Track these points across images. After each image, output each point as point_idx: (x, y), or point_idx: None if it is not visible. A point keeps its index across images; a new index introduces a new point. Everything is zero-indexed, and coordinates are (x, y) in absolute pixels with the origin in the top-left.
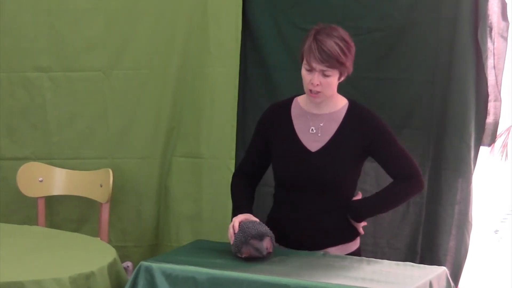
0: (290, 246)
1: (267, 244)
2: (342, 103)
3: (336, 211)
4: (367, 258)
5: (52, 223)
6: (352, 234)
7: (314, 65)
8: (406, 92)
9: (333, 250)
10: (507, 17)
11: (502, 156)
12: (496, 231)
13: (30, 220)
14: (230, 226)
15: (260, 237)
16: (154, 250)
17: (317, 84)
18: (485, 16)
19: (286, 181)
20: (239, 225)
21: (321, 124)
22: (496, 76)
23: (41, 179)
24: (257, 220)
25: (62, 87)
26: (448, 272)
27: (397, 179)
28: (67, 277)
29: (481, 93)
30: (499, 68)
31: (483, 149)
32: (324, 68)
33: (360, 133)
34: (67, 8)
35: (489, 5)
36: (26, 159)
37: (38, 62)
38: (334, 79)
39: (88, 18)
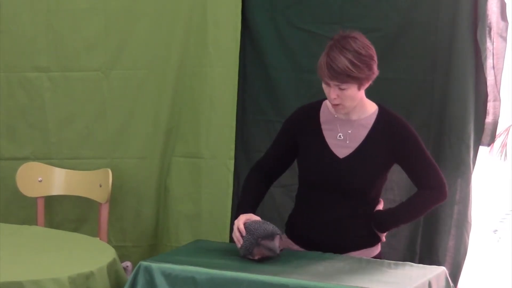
0: (312, 249)
1: (277, 242)
2: (371, 109)
3: (360, 217)
4: (366, 258)
5: (51, 223)
6: (374, 239)
7: (327, 80)
8: (405, 92)
9: (356, 255)
10: (506, 17)
11: (501, 156)
12: (495, 231)
13: (29, 220)
14: (235, 229)
15: (271, 236)
16: (153, 250)
17: (335, 98)
18: (484, 16)
19: (313, 184)
20: (244, 226)
21: (349, 131)
22: (495, 76)
23: (41, 179)
24: (259, 218)
25: (61, 87)
26: (447, 272)
27: (422, 189)
28: (66, 277)
29: (480, 93)
30: (498, 68)
31: (482, 149)
32: (337, 83)
33: (389, 141)
34: (66, 8)
35: (488, 5)
36: (25, 159)
37: (37, 62)
38: (352, 91)
39: (87, 18)
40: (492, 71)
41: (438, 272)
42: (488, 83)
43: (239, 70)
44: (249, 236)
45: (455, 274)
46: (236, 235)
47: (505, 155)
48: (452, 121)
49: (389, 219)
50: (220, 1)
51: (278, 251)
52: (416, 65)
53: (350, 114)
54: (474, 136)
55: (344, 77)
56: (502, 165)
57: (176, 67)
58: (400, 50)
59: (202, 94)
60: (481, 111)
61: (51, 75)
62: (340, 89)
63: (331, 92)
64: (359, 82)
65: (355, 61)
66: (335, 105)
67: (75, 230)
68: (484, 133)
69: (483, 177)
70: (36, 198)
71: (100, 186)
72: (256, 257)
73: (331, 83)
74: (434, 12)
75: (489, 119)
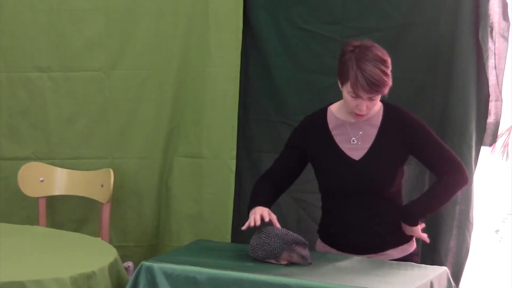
0: (346, 251)
1: (308, 251)
2: (377, 107)
3: (386, 213)
4: (368, 258)
5: (53, 223)
6: (408, 235)
7: (362, 94)
8: (406, 92)
9: (393, 253)
10: (508, 17)
11: (503, 156)
12: (497, 231)
13: (31, 220)
14: (258, 215)
15: (304, 244)
16: (155, 250)
17: (366, 110)
18: (486, 16)
19: (334, 191)
20: (267, 230)
21: (361, 132)
22: (497, 76)
23: (42, 179)
24: (275, 216)
25: (63, 87)
26: (449, 272)
27: (443, 175)
28: (68, 277)
29: (482, 93)
30: (500, 68)
31: (484, 149)
32: (372, 95)
33: (400, 134)
34: (67, 8)
35: (490, 5)
36: (26, 159)
37: (38, 62)
38: (378, 99)
39: (88, 18)
40: (494, 71)
41: (440, 272)
42: (490, 83)
43: (241, 70)
44: (278, 241)
45: (457, 274)
46: (256, 217)
47: (507, 155)
48: (454, 121)
49: (418, 211)
50: (221, 1)
51: (310, 261)
52: (418, 65)
53: None
54: (476, 136)
55: (382, 88)
56: (503, 165)
57: (178, 67)
58: (402, 50)
59: (204, 94)
60: (483, 111)
61: (53, 75)
62: (372, 100)
63: (363, 104)
64: (386, 89)
65: (386, 70)
66: (360, 115)
67: (77, 230)
68: (486, 133)
69: (485, 177)
70: (38, 198)
71: (102, 186)
72: (282, 262)
73: (366, 96)
74: (435, 12)
75: (491, 119)
